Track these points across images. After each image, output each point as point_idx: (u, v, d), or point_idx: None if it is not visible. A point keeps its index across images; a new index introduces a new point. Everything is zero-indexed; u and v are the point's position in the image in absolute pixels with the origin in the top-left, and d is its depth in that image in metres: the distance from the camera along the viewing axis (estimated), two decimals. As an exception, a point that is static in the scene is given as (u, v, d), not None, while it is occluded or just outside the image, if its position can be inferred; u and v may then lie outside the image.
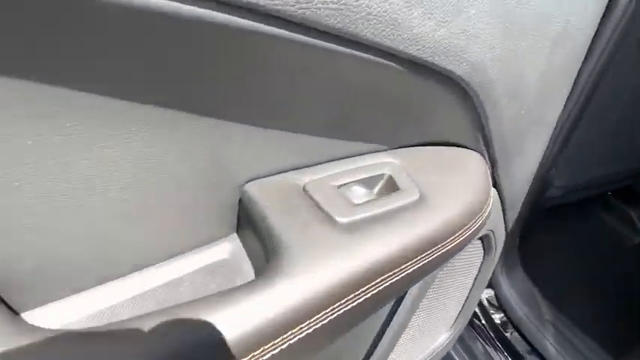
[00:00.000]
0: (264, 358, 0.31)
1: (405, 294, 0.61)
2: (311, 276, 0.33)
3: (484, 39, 0.41)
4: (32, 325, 0.31)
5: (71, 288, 0.36)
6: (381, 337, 0.67)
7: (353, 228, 0.38)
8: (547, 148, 0.73)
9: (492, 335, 1.10)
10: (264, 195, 0.39)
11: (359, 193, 0.43)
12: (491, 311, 1.11)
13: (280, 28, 0.28)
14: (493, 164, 0.59)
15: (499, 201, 0.67)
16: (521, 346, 1.07)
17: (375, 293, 0.37)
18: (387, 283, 0.38)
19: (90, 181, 0.31)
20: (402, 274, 0.39)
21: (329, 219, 0.38)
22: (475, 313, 1.12)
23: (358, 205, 0.41)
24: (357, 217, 0.39)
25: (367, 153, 0.47)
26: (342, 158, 0.46)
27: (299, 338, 0.32)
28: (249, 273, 0.42)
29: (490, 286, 1.12)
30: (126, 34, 0.25)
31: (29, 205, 0.29)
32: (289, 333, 0.32)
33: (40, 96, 0.26)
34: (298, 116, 0.39)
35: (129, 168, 0.32)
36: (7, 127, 0.26)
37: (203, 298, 0.31)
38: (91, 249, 0.35)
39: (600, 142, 1.10)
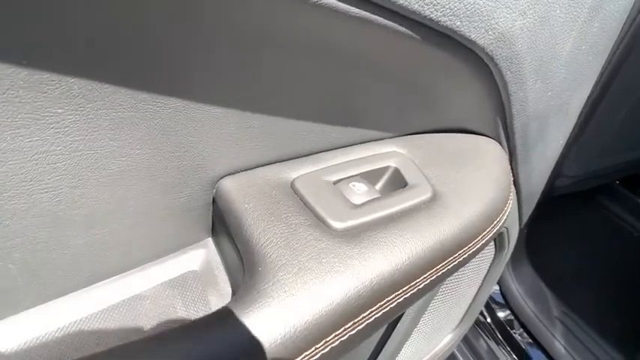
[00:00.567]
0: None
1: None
2: (297, 303, 0.25)
3: (514, 2, 0.33)
4: None
5: (22, 304, 0.29)
6: (386, 341, 0.61)
7: (351, 235, 0.30)
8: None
9: (497, 333, 1.04)
10: (242, 193, 0.32)
11: (359, 191, 0.35)
12: (496, 308, 1.05)
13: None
14: (511, 154, 0.52)
15: (515, 195, 0.60)
16: (527, 345, 1.01)
17: (379, 316, 0.30)
18: (394, 304, 0.31)
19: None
20: (413, 291, 0.32)
21: (321, 224, 0.31)
22: (480, 311, 1.06)
23: (358, 205, 0.33)
24: (357, 221, 0.32)
25: (369, 141, 0.40)
26: (339, 148, 0.38)
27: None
28: (225, 287, 0.34)
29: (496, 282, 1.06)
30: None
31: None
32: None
33: None
34: (285, 96, 0.31)
35: (90, 162, 0.25)
36: None
37: (155, 336, 0.23)
38: (32, 260, 0.27)
39: (612, 131, 1.03)
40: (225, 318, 0.24)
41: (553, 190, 1.08)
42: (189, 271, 0.35)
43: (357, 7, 0.25)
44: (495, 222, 0.38)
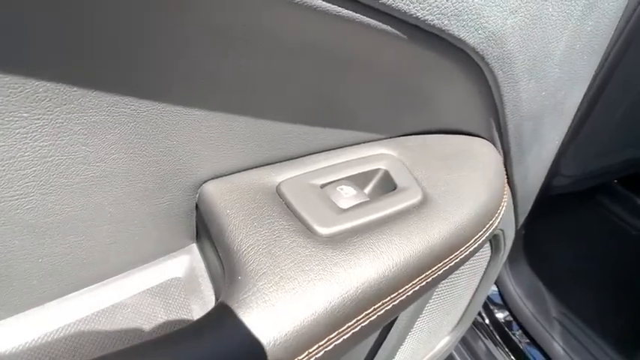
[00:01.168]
0: None
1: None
2: (277, 314, 0.24)
3: (504, 0, 0.32)
4: None
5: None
6: (380, 346, 0.60)
7: (337, 241, 0.29)
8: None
9: (496, 334, 1.03)
10: (225, 198, 0.31)
11: (347, 195, 0.34)
12: (495, 309, 1.04)
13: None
14: (506, 155, 0.51)
15: (510, 196, 0.59)
16: (526, 345, 1.01)
17: (366, 325, 0.29)
18: (382, 311, 0.30)
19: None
20: (402, 297, 0.31)
21: (307, 229, 0.30)
22: (478, 312, 1.05)
23: (345, 210, 0.32)
24: (343, 226, 0.31)
25: (358, 143, 0.39)
26: (327, 150, 0.37)
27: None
28: (209, 295, 0.33)
29: (494, 283, 1.05)
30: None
31: None
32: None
33: None
34: (270, 98, 0.30)
35: (62, 168, 0.24)
36: None
37: (129, 349, 0.22)
38: (4, 270, 0.26)
39: (610, 130, 1.02)
40: (201, 330, 0.23)
41: (550, 190, 1.07)
42: (172, 278, 0.34)
43: (343, 7, 0.24)
44: (488, 225, 0.37)
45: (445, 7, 0.28)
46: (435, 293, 0.63)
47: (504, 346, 1.02)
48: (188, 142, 0.28)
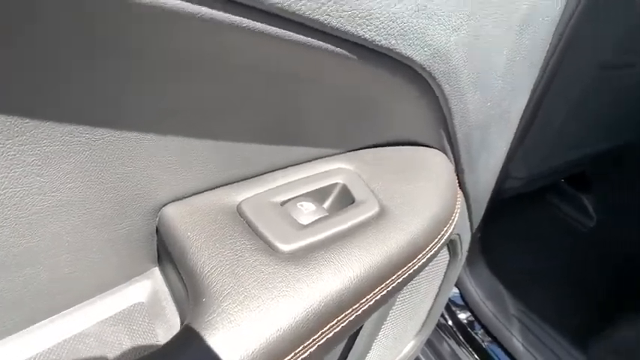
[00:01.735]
0: None
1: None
2: (243, 333, 0.25)
3: (447, 18, 0.34)
4: None
5: None
6: (347, 355, 0.61)
7: (299, 257, 0.30)
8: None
9: (459, 335, 1.06)
10: (185, 220, 0.31)
11: (307, 211, 0.35)
12: (457, 311, 1.08)
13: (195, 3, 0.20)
14: (457, 163, 0.53)
15: (464, 202, 0.62)
16: (488, 344, 1.04)
17: (331, 336, 0.30)
18: (345, 322, 0.30)
19: None
20: (364, 307, 0.32)
21: (268, 247, 0.30)
22: (441, 314, 1.08)
23: (306, 226, 0.33)
24: (304, 242, 0.31)
25: (315, 159, 0.40)
26: (285, 167, 0.38)
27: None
28: (173, 319, 0.33)
29: (455, 285, 1.09)
30: None
31: None
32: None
33: None
34: (225, 120, 0.30)
35: (16, 200, 0.24)
36: None
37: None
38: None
39: (553, 134, 1.09)
40: (168, 354, 0.23)
41: (502, 193, 1.12)
42: (135, 304, 0.33)
43: (289, 31, 0.25)
44: (443, 232, 0.39)
45: (391, 28, 0.30)
46: (398, 300, 0.65)
47: (468, 345, 1.05)
48: (145, 167, 0.28)
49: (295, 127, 0.35)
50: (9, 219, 0.24)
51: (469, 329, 1.05)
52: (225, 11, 0.21)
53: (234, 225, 0.31)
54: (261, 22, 0.23)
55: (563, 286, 1.25)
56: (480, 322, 1.06)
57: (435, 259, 0.69)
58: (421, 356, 1.05)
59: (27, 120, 0.22)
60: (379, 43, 0.30)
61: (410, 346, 0.84)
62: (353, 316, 0.31)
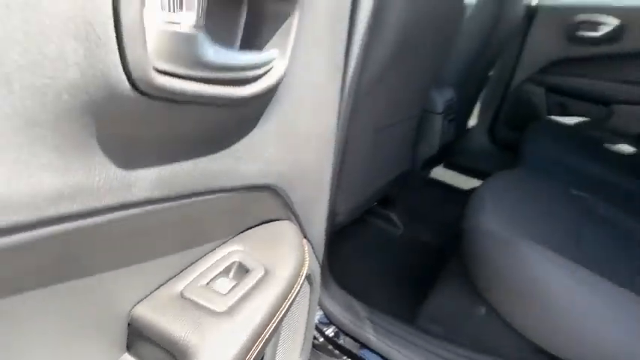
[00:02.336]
0: None
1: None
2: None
3: (275, 157, 0.61)
4: None
5: None
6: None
7: (231, 312, 0.52)
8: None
9: (330, 346, 1.33)
10: (154, 311, 0.49)
11: (223, 284, 0.56)
12: (324, 328, 1.35)
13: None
14: (299, 223, 0.81)
15: (310, 248, 0.89)
16: (353, 347, 1.33)
17: (257, 352, 0.52)
18: (262, 344, 0.53)
19: None
20: (267, 335, 0.55)
21: (212, 311, 0.51)
22: (314, 335, 1.34)
23: (226, 294, 0.54)
24: (230, 302, 0.53)
25: (216, 248, 0.62)
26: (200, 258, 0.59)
27: None
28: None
29: (319, 307, 1.36)
30: None
31: None
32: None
33: None
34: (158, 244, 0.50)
35: None
36: None
37: None
38: None
39: (359, 175, 1.46)
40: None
41: (335, 227, 1.47)
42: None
43: (197, 197, 0.48)
44: (302, 274, 0.65)
45: (241, 175, 0.54)
46: (282, 328, 0.88)
47: (339, 353, 1.33)
48: (120, 281, 0.46)
49: (202, 236, 0.57)
50: None
51: (336, 339, 1.33)
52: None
53: (186, 304, 0.51)
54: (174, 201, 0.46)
55: (391, 280, 1.64)
56: (343, 332, 1.35)
57: (300, 293, 0.94)
58: (306, 375, 1.28)
59: None
60: (234, 185, 0.54)
61: (297, 366, 1.07)
62: (262, 343, 0.53)
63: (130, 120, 0.32)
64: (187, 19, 0.30)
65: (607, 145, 1.99)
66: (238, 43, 0.45)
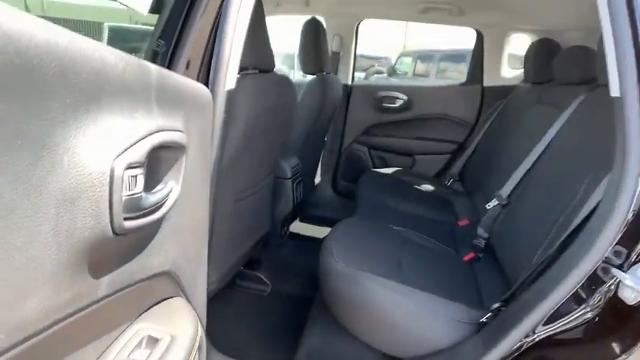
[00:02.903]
0: None
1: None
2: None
3: (170, 248, 0.79)
4: None
5: None
6: None
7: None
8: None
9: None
10: None
11: (141, 355, 0.71)
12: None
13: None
14: (187, 297, 0.97)
15: (196, 317, 1.05)
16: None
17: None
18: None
19: None
20: None
21: None
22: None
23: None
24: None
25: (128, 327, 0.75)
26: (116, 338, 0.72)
27: None
28: None
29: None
30: None
31: None
32: None
33: None
34: None
35: None
36: None
37: None
38: None
39: (223, 244, 1.63)
40: None
41: (209, 295, 1.61)
42: None
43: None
44: (197, 339, 0.82)
45: (135, 271, 0.72)
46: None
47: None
48: None
49: (118, 320, 0.71)
50: None
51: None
52: None
53: None
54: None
55: (266, 336, 1.82)
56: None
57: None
58: None
59: None
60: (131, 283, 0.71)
61: None
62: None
63: (103, 250, 0.50)
64: (138, 189, 0.52)
65: (415, 186, 2.57)
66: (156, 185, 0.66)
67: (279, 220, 2.18)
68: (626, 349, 0.87)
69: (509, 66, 2.86)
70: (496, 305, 1.18)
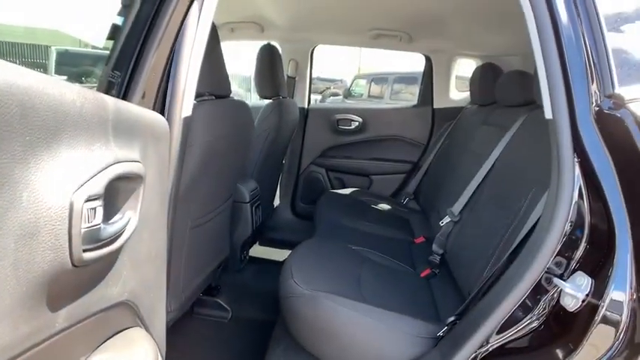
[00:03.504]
0: None
1: None
2: None
3: (128, 277, 0.78)
4: None
5: None
6: None
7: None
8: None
9: None
10: None
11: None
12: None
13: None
14: (145, 327, 0.95)
15: (157, 346, 1.02)
16: None
17: None
18: None
19: None
20: None
21: None
22: None
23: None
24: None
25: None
26: None
27: None
28: None
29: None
30: None
31: None
32: None
33: None
34: None
35: None
36: None
37: None
38: None
39: (182, 267, 1.61)
40: None
41: (168, 324, 1.56)
42: None
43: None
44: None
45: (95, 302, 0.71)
46: None
47: None
48: None
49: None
50: None
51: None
52: None
53: None
54: None
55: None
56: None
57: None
58: None
59: None
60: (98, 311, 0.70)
61: None
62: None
63: (62, 282, 0.50)
64: (97, 221, 0.52)
65: (373, 206, 2.63)
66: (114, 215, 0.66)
67: (239, 245, 2.16)
68: (568, 354, 0.94)
69: (457, 89, 3.03)
70: (451, 319, 1.23)
